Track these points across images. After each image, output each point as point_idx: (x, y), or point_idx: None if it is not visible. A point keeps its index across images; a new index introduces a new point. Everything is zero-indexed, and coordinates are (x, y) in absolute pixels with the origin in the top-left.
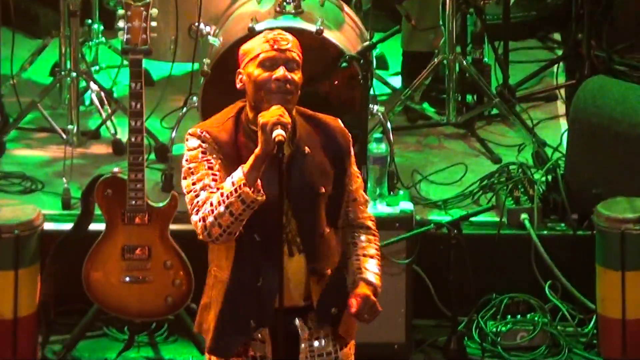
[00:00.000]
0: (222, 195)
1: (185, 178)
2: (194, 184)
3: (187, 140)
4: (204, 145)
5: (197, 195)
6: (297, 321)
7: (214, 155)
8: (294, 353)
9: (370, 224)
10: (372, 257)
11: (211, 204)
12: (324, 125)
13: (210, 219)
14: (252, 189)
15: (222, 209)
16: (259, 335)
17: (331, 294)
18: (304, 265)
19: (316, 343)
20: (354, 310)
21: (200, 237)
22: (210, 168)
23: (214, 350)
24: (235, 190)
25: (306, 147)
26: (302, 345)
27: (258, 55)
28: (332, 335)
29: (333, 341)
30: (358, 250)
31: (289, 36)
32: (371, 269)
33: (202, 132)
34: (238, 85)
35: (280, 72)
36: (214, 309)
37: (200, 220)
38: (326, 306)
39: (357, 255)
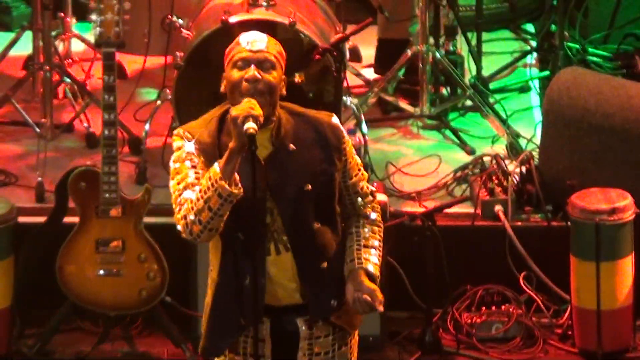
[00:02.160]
0: (200, 191)
1: (172, 179)
2: (178, 183)
3: (173, 140)
4: (185, 145)
5: (180, 195)
6: (297, 320)
7: (196, 155)
8: (293, 352)
9: (374, 215)
10: (373, 247)
11: (191, 202)
12: (314, 121)
13: (191, 216)
14: (227, 182)
15: (200, 204)
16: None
17: (329, 287)
18: (291, 263)
19: (316, 342)
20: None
21: (183, 235)
22: (193, 167)
23: (204, 351)
24: (212, 185)
25: (291, 145)
26: (301, 344)
27: (233, 56)
28: (332, 335)
29: (333, 341)
30: (359, 241)
31: (265, 37)
32: (371, 259)
33: (184, 132)
34: (222, 89)
35: (250, 72)
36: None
37: (182, 219)
38: (322, 300)
39: (358, 245)
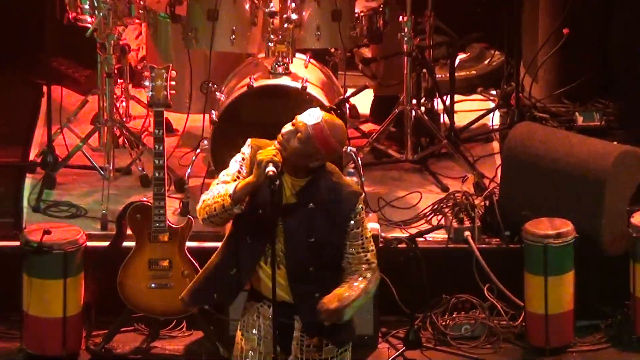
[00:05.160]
0: (218, 194)
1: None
2: (222, 176)
3: (245, 146)
4: (245, 153)
5: (215, 185)
6: (295, 318)
7: (245, 165)
8: (288, 339)
9: (360, 280)
10: (351, 289)
11: (212, 196)
12: (337, 187)
13: (203, 205)
14: (233, 202)
15: (211, 202)
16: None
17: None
18: (285, 275)
19: (307, 337)
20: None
21: (196, 213)
22: (238, 171)
23: (185, 300)
24: (223, 197)
25: (311, 204)
26: (295, 333)
27: (296, 119)
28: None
29: (320, 339)
30: (344, 285)
31: (320, 115)
32: (340, 292)
33: (250, 145)
34: None
35: (288, 134)
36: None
37: (201, 201)
38: (313, 321)
39: (341, 286)
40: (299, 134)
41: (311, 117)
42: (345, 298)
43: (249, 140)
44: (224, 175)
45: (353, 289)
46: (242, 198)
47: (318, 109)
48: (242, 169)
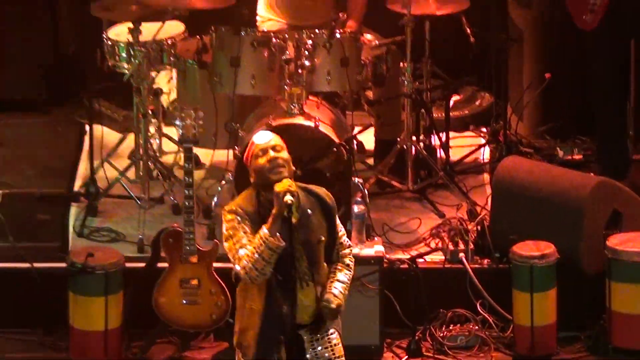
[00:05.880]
0: (254, 248)
1: (226, 241)
2: (234, 244)
3: (225, 214)
4: (238, 217)
5: (237, 252)
6: (301, 332)
7: (246, 222)
8: (302, 355)
9: (347, 261)
10: (342, 282)
11: (247, 256)
12: (316, 193)
13: (249, 266)
14: (274, 239)
15: (256, 256)
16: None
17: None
18: (314, 293)
19: (318, 347)
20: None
21: (247, 279)
22: (245, 232)
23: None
24: (264, 242)
25: (309, 210)
26: (307, 347)
27: (254, 151)
28: (325, 337)
29: (327, 341)
30: (334, 277)
31: (270, 132)
32: (337, 287)
33: (236, 208)
34: (251, 180)
35: (270, 154)
36: (252, 331)
37: (242, 269)
38: (320, 317)
39: (332, 280)
40: (278, 147)
41: (266, 134)
42: (340, 294)
43: (228, 208)
44: (239, 241)
45: (344, 282)
46: (277, 231)
47: (261, 131)
48: (244, 224)
